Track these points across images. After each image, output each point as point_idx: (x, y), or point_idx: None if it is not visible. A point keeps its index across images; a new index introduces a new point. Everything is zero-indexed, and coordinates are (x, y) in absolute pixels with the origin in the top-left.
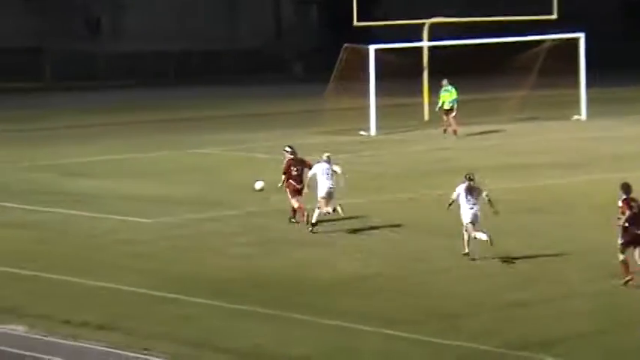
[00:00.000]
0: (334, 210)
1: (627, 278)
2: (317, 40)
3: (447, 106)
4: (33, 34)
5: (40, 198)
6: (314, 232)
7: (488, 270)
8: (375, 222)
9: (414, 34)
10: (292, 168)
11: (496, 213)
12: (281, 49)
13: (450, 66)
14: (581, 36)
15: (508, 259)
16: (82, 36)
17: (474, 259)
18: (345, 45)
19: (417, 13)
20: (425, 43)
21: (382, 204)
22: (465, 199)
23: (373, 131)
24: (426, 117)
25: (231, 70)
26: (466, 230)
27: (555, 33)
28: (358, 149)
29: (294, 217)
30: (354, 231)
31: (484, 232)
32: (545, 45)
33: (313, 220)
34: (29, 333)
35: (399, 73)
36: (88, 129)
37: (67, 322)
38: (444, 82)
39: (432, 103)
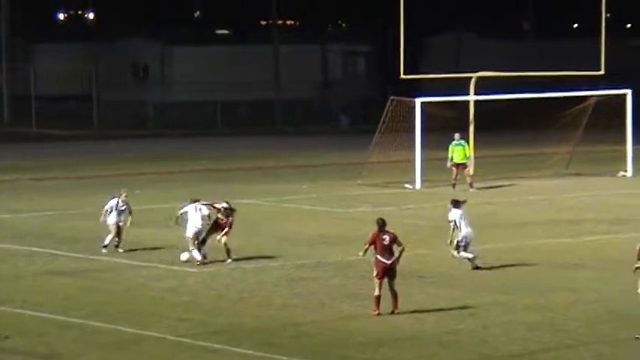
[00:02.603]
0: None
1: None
2: (364, 92)
3: (459, 160)
4: (83, 81)
5: (85, 246)
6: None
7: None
8: (413, 275)
9: (462, 87)
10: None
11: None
12: (328, 100)
13: (496, 120)
14: (629, 92)
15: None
16: (131, 84)
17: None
18: (392, 97)
19: (464, 67)
20: (472, 97)
21: (418, 257)
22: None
23: (418, 184)
24: (471, 171)
25: (277, 120)
26: None
27: (603, 89)
28: (402, 202)
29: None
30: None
31: None
32: (592, 101)
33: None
34: None
35: (446, 127)
36: (131, 177)
37: None
38: (456, 136)
39: (481, 157)
